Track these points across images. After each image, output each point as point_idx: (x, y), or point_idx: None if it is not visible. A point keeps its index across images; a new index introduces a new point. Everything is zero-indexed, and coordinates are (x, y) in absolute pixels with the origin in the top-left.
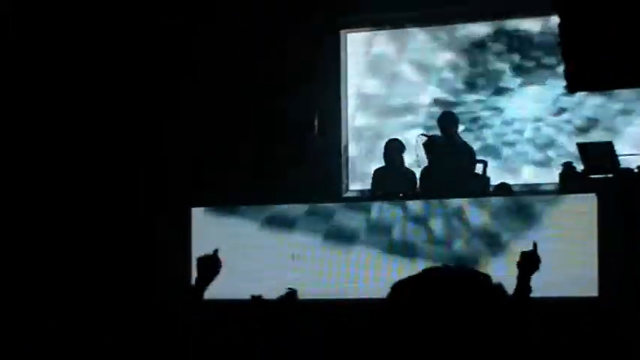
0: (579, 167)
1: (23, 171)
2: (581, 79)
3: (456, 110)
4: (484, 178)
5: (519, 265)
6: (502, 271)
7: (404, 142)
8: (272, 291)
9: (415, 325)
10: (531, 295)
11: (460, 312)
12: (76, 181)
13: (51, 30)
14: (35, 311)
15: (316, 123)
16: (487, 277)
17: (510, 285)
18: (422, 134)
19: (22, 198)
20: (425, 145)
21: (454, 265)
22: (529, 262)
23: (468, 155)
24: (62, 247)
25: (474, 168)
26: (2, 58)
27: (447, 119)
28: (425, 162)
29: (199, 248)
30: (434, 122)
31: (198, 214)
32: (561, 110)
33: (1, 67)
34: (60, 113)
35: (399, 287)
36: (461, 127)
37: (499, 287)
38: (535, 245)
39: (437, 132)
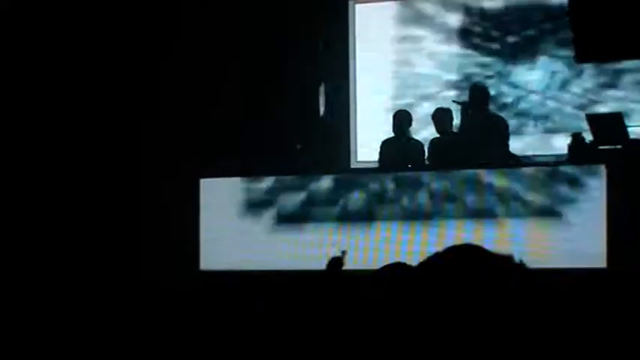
0: (588, 138)
1: (24, 166)
2: (590, 49)
3: (466, 81)
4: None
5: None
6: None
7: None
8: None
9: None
10: (540, 266)
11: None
12: (79, 165)
13: (51, 29)
14: (35, 311)
15: (323, 95)
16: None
17: None
18: (454, 101)
19: (23, 190)
20: (433, 116)
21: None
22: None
23: (493, 129)
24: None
25: (505, 141)
26: (2, 57)
27: (475, 93)
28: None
29: (207, 219)
30: (446, 94)
31: (206, 185)
32: (569, 81)
33: (0, 66)
34: (61, 108)
35: (431, 270)
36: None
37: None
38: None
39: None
